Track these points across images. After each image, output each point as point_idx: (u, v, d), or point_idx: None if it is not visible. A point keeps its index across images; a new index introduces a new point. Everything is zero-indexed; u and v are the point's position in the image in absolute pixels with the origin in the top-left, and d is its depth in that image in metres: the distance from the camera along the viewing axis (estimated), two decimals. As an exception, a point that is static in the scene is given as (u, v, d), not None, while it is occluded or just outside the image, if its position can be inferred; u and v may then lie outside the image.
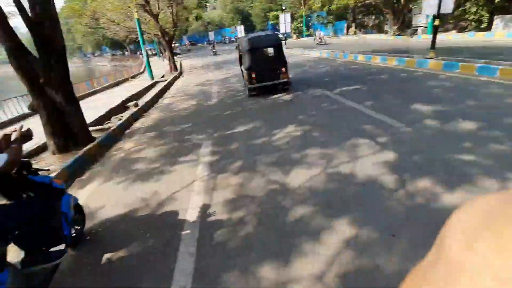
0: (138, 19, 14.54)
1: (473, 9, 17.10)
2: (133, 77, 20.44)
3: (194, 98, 8.68)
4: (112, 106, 8.69)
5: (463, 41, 14.99)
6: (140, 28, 14.67)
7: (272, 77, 7.22)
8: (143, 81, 16.23)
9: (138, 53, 55.31)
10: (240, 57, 7.81)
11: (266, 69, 7.15)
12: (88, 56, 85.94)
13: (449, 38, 17.81)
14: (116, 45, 64.58)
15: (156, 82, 15.22)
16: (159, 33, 18.29)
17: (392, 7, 23.11)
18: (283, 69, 7.18)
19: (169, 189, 3.32)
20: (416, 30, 21.85)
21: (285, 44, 25.21)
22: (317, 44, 22.22)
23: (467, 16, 17.79)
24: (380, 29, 31.36)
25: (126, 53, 67.31)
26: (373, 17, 34.82)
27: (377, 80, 7.71)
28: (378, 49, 14.91)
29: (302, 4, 41.30)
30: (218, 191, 3.15)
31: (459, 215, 0.25)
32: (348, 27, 36.54)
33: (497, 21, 16.62)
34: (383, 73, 8.57)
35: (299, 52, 19.77)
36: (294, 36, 44.33)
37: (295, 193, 2.88)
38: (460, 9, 17.99)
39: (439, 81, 6.87)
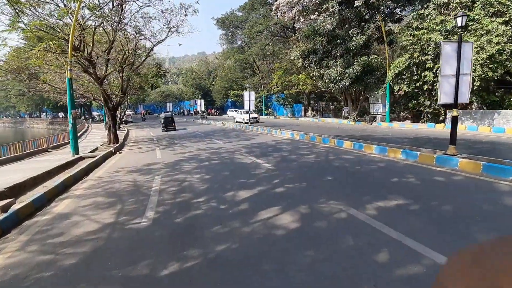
0: (69, 79, 11.33)
1: (427, 103, 17.94)
2: (56, 147, 15.89)
3: (115, 204, 4.94)
4: None
5: (433, 132, 14.76)
6: (70, 89, 11.33)
7: None
8: (64, 155, 12.01)
9: (82, 118, 50.19)
10: None
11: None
12: (23, 116, 76.55)
13: (409, 127, 18.10)
14: (59, 107, 58.77)
15: (80, 159, 11.15)
16: (102, 98, 15.12)
17: (350, 96, 24.20)
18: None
19: None
20: (375, 117, 22.55)
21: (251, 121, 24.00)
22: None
23: (421, 108, 18.62)
24: (335, 114, 33.00)
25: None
26: (329, 103, 37.45)
27: (414, 189, 5.19)
28: (352, 134, 13.66)
29: (262, 86, 43.49)
30: None
31: (450, 267, 0.27)
32: (305, 110, 38.30)
33: (449, 115, 17.45)
34: (404, 173, 6.25)
35: (265, 131, 18.01)
36: (254, 114, 45.18)
37: None
38: (413, 101, 18.96)
39: (499, 194, 4.61)
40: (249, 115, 25.11)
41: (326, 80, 22.28)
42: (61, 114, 65.54)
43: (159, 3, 14.36)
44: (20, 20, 9.90)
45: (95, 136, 21.51)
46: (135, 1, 13.91)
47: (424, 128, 17.42)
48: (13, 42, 31.55)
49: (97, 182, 6.76)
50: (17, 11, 9.55)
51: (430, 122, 18.29)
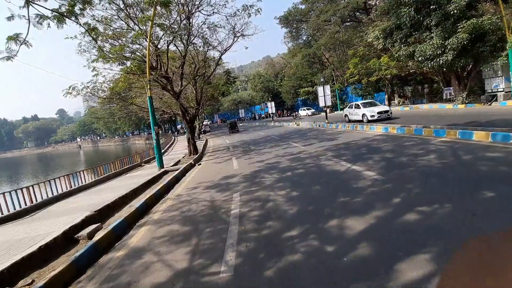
0: (150, 97, 11.83)
1: None
2: (148, 161, 17.34)
3: (191, 237, 4.02)
4: (43, 242, 4.46)
5: None
6: (151, 106, 11.83)
7: None
8: (153, 169, 12.64)
9: (169, 132, 56.44)
10: None
11: None
12: (127, 134, 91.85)
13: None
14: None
15: (164, 173, 11.44)
16: (180, 111, 15.73)
17: (455, 73, 19.30)
18: None
19: None
20: (494, 96, 17.27)
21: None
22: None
23: None
24: (431, 99, 27.39)
25: (160, 132, 70.00)
26: (418, 87, 31.58)
27: None
28: (473, 121, 10.24)
29: (334, 79, 40.15)
30: None
31: (454, 265, 0.30)
32: (389, 98, 33.26)
33: None
34: None
35: (348, 128, 15.67)
36: (328, 109, 42.02)
37: None
38: None
39: None
40: (376, 109, 16.39)
41: (419, 58, 18.26)
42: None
43: (222, 7, 13.89)
44: (104, 49, 10.72)
45: (179, 147, 23.03)
46: (200, 11, 13.90)
47: None
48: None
49: (175, 202, 6.22)
50: (98, 42, 10.34)
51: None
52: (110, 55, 11.02)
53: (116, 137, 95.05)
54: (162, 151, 22.79)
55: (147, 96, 11.93)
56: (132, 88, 16.35)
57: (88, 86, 12.53)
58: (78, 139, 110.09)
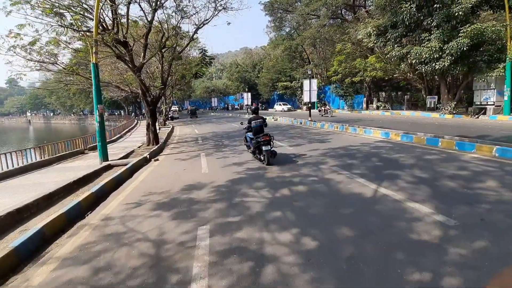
0: (95, 64, 8.70)
1: None
2: (94, 148, 13.93)
3: None
4: None
5: None
6: (95, 78, 8.71)
7: None
8: (95, 159, 9.60)
9: (133, 114, 51.22)
10: None
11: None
12: (85, 113, 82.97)
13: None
14: (114, 105, 61.53)
15: (108, 168, 8.50)
16: (139, 90, 12.59)
17: (445, 81, 18.44)
18: None
19: None
20: (483, 109, 16.65)
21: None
22: (321, 115, 22.37)
23: None
24: (411, 106, 26.95)
25: (123, 113, 63.79)
26: (395, 93, 31.14)
27: None
28: (485, 135, 8.83)
29: (313, 76, 38.71)
30: None
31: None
32: (368, 102, 32.55)
33: None
34: None
35: (336, 129, 13.81)
36: (304, 107, 40.64)
37: None
38: None
39: None
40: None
41: (413, 61, 16.99)
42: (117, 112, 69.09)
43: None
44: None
45: (139, 134, 19.62)
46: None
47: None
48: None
49: (93, 238, 3.56)
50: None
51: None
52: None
53: (72, 115, 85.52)
54: (118, 136, 19.24)
55: (91, 63, 8.77)
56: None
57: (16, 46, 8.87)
58: (28, 113, 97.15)
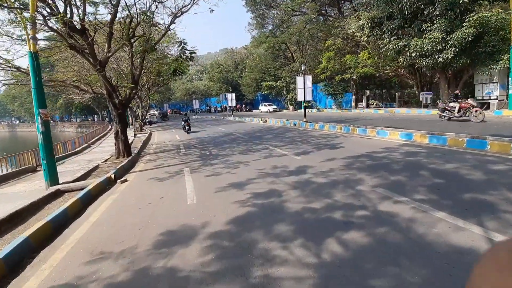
0: (32, 53, 6.36)
1: None
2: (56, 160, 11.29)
3: None
4: None
5: None
6: (34, 73, 6.37)
7: None
8: (42, 182, 7.18)
9: (106, 120, 47.46)
10: None
11: None
12: (56, 119, 76.87)
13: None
14: (86, 110, 57.10)
15: (56, 195, 6.18)
16: (104, 90, 10.21)
17: (445, 75, 17.40)
18: None
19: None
20: (485, 104, 15.68)
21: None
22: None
23: None
24: (403, 103, 26.11)
25: (96, 119, 59.37)
26: (381, 90, 30.32)
27: None
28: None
29: (299, 75, 37.29)
30: None
31: (483, 264, 0.30)
32: (356, 100, 31.51)
33: None
34: None
35: (339, 130, 12.12)
36: (291, 107, 39.17)
37: None
38: None
39: None
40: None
41: (413, 54, 15.73)
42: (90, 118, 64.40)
43: None
44: None
45: (110, 143, 17.02)
46: None
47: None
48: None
49: None
50: None
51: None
52: None
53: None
54: (85, 145, 16.52)
55: (28, 51, 6.41)
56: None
57: None
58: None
